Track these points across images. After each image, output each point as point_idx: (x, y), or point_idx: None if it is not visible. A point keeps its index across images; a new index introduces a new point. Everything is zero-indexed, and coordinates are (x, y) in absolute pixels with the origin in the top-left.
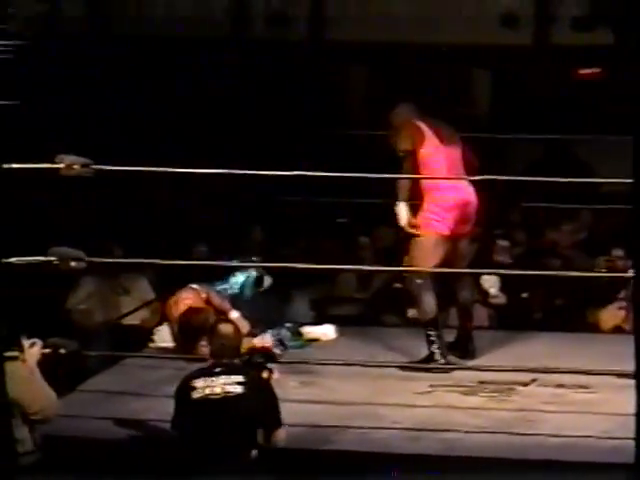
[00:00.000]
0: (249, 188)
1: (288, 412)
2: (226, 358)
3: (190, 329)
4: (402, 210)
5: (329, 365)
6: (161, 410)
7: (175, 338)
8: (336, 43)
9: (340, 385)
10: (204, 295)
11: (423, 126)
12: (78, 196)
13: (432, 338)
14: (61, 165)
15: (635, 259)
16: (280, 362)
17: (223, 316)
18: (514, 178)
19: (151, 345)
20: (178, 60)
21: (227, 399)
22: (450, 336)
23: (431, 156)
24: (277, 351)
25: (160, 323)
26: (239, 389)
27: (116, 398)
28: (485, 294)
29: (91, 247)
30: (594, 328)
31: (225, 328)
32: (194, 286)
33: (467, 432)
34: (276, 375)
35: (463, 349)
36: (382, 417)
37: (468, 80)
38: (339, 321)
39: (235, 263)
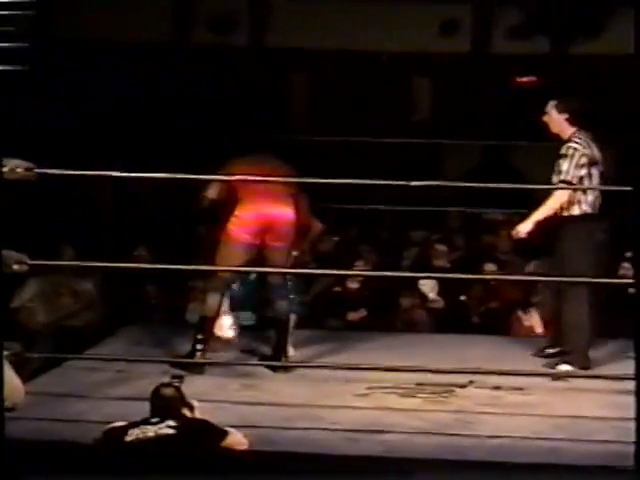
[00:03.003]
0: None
1: (230, 414)
2: (165, 416)
3: None
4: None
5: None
6: (105, 412)
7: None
8: (280, 50)
9: (280, 387)
10: None
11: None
12: (25, 198)
13: (199, 337)
14: (4, 169)
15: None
16: (222, 364)
17: None
18: (451, 184)
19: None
20: (122, 65)
21: (160, 440)
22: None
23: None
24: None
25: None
26: (171, 431)
27: (59, 399)
28: (424, 298)
29: (39, 248)
30: (529, 331)
31: (168, 391)
32: None
33: (406, 433)
34: (197, 405)
35: (276, 360)
36: (322, 418)
37: (409, 87)
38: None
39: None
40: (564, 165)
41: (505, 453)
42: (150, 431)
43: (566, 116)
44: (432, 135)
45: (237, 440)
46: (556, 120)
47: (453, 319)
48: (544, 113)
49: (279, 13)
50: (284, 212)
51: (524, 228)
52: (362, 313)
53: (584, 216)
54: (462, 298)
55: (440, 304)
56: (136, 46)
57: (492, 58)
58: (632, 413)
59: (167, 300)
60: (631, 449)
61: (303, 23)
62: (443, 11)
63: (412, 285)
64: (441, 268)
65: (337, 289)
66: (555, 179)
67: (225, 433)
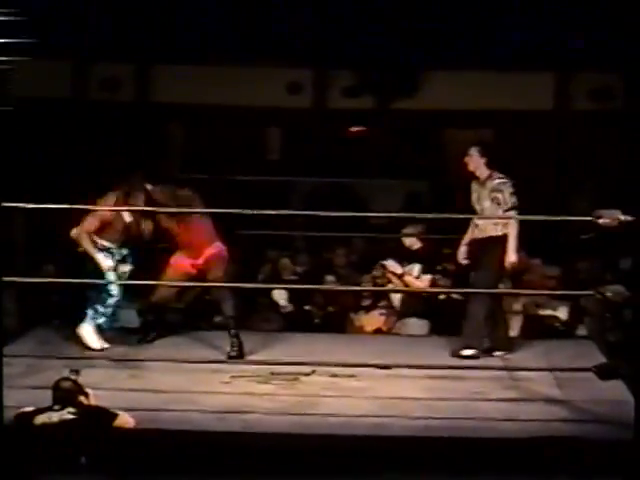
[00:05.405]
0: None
1: (119, 399)
2: (65, 404)
3: None
4: None
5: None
6: (16, 398)
7: None
8: (158, 104)
9: (161, 377)
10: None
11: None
12: None
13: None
14: None
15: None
16: (115, 360)
17: None
18: (297, 213)
19: None
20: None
21: (63, 423)
22: None
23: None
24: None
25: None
26: (71, 416)
27: None
28: (276, 305)
29: None
30: (359, 330)
31: (66, 384)
32: None
33: (263, 413)
34: (91, 393)
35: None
36: (195, 402)
37: (263, 135)
38: (161, 326)
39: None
40: (501, 196)
41: (342, 428)
42: (54, 417)
43: (485, 160)
44: (281, 173)
45: (125, 420)
46: (476, 162)
47: (300, 321)
48: (465, 155)
49: (159, 74)
50: None
51: (514, 258)
52: None
53: (504, 236)
54: (307, 308)
55: (289, 309)
56: (38, 101)
57: (329, 112)
58: (442, 394)
59: (68, 307)
60: (439, 423)
61: (177, 82)
62: (289, 74)
63: (267, 294)
64: (290, 280)
65: (207, 297)
66: (495, 209)
67: (115, 415)
